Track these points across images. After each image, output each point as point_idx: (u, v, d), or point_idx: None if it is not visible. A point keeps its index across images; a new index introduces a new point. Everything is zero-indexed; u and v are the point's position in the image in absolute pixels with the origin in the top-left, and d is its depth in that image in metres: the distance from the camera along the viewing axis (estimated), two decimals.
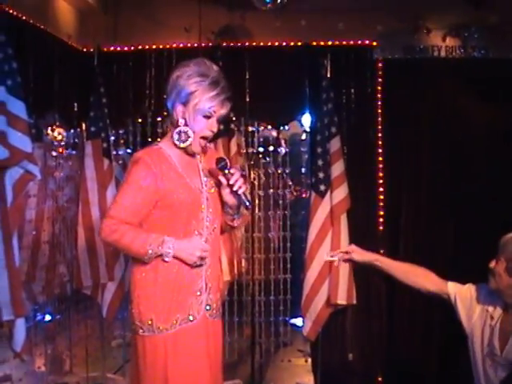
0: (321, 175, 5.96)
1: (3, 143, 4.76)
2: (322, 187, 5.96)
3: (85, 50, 6.48)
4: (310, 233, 5.99)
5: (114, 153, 6.61)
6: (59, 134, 6.66)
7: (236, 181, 3.46)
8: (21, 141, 4.88)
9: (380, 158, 6.32)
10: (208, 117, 3.44)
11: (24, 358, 5.31)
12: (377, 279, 6.21)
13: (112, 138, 6.55)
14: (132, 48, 6.50)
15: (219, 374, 3.68)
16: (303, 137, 6.99)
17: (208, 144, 3.64)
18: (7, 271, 4.90)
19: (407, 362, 6.27)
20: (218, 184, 3.56)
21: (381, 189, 6.31)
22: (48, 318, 6.83)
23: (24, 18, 5.56)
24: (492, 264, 3.85)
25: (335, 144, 6.03)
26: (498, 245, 3.88)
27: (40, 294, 6.31)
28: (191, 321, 3.46)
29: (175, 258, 3.41)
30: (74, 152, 6.79)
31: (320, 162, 5.97)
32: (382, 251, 6.27)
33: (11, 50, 4.88)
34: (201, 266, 3.48)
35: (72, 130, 6.74)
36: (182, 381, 3.46)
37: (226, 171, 3.48)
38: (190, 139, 3.45)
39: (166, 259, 3.39)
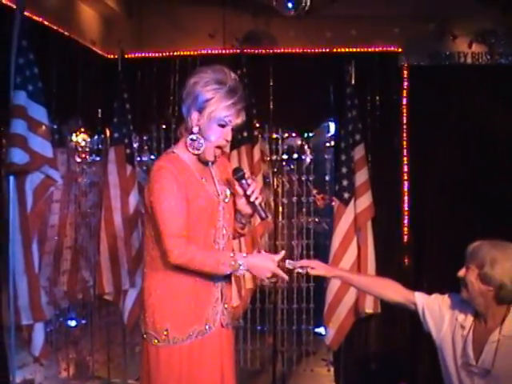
0: (345, 183, 5.92)
1: (24, 148, 4.77)
2: (346, 195, 5.92)
3: (109, 55, 6.51)
4: (334, 241, 5.95)
5: (138, 159, 6.62)
6: (83, 139, 6.68)
7: (253, 191, 3.44)
8: (42, 145, 4.90)
9: (405, 166, 6.27)
10: (223, 126, 3.38)
11: (42, 362, 5.32)
12: None
13: (136, 144, 6.56)
14: (156, 54, 6.51)
15: (232, 381, 3.62)
16: (327, 144, 6.94)
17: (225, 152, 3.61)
18: (26, 276, 4.92)
19: (430, 372, 6.20)
20: (233, 193, 3.54)
21: (406, 197, 6.26)
22: (71, 323, 6.83)
23: (47, 23, 5.58)
24: (462, 273, 3.75)
25: (359, 151, 5.99)
26: (465, 254, 3.80)
27: (62, 299, 6.30)
28: (207, 331, 3.44)
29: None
30: (97, 158, 6.80)
31: (344, 170, 5.94)
32: (406, 260, 6.25)
33: (33, 56, 4.89)
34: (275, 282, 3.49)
35: (96, 136, 6.77)
36: None
37: (243, 181, 3.44)
38: (201, 148, 3.38)
39: (239, 274, 3.39)
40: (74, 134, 6.52)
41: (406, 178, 6.26)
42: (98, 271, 6.09)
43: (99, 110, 6.44)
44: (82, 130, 6.59)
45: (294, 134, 6.95)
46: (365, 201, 5.90)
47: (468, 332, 3.78)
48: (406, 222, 6.26)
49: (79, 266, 6.48)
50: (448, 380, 3.89)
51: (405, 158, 6.27)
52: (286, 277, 3.45)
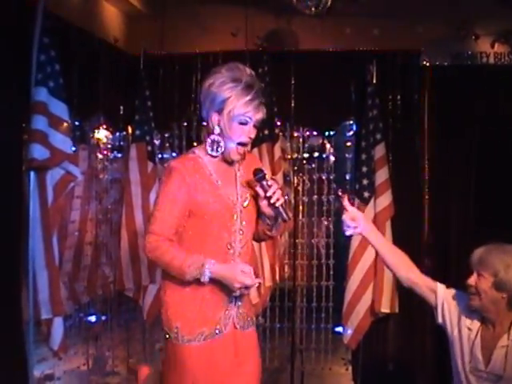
0: (365, 182, 5.92)
1: (44, 144, 4.82)
2: (366, 194, 5.92)
3: (131, 53, 6.53)
4: (353, 240, 5.94)
5: (160, 156, 6.64)
6: (105, 136, 6.72)
7: (274, 193, 3.38)
8: (62, 142, 4.96)
9: (426, 166, 6.25)
10: (244, 123, 3.35)
11: (61, 356, 5.37)
12: None
13: (157, 141, 6.59)
14: (178, 52, 6.53)
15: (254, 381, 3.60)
16: (348, 143, 6.93)
17: (248, 150, 3.53)
18: (47, 270, 4.97)
19: (449, 374, 6.18)
20: (255, 195, 3.49)
21: (426, 197, 6.25)
22: (91, 318, 6.87)
23: (69, 20, 5.62)
24: (472, 281, 3.68)
25: (380, 151, 5.99)
26: (470, 261, 3.75)
27: (82, 295, 6.34)
28: (217, 334, 3.42)
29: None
30: (119, 154, 6.84)
31: (364, 169, 5.95)
32: (426, 260, 6.23)
33: (54, 52, 4.94)
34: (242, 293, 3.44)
35: (118, 133, 6.82)
36: None
37: (264, 183, 3.39)
38: (220, 149, 3.37)
39: (202, 280, 3.31)
40: (95, 131, 6.56)
41: (426, 177, 6.24)
42: (119, 267, 6.13)
43: (121, 107, 6.47)
44: (104, 126, 6.62)
45: (315, 133, 6.94)
46: (385, 200, 5.90)
47: (475, 336, 3.73)
48: (426, 221, 6.24)
49: (100, 261, 6.53)
50: (457, 380, 3.86)
51: (425, 158, 6.24)
52: (257, 281, 3.39)
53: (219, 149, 3.38)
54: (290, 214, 3.74)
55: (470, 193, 6.27)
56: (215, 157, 3.41)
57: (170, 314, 3.42)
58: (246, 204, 3.48)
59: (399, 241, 5.93)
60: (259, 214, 3.54)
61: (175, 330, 3.39)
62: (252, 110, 3.33)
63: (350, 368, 6.52)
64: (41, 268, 4.95)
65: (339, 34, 6.37)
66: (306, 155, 6.93)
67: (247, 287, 3.36)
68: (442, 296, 3.92)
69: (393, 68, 6.25)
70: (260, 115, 3.37)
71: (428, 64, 6.29)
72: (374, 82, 6.06)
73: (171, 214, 3.35)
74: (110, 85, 6.23)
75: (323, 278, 6.85)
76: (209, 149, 3.39)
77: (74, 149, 5.43)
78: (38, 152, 4.81)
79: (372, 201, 5.91)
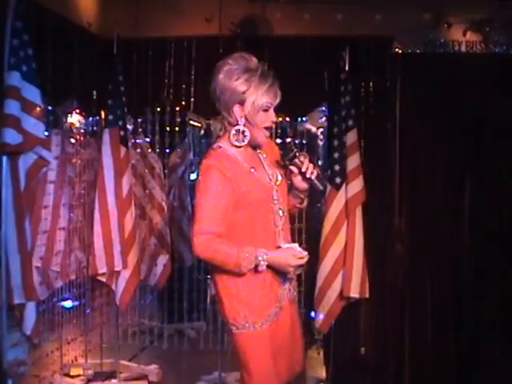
0: (337, 168, 5.93)
1: (17, 128, 4.82)
2: (338, 180, 5.94)
3: (105, 38, 6.51)
4: (325, 225, 5.97)
5: (132, 141, 6.65)
6: (78, 121, 6.69)
7: (307, 168, 3.54)
8: (35, 126, 4.95)
9: (397, 152, 6.29)
10: (267, 110, 3.48)
11: (35, 341, 5.38)
12: (391, 274, 6.22)
13: (130, 126, 6.59)
14: (152, 37, 6.52)
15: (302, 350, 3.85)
16: (320, 129, 6.96)
17: None
18: (20, 256, 4.99)
19: (419, 357, 6.26)
20: (283, 173, 3.65)
21: (397, 182, 6.29)
22: (64, 303, 6.87)
23: (43, 4, 5.59)
24: None
25: (352, 137, 6.00)
26: None
27: (56, 280, 6.33)
28: (279, 311, 3.56)
29: None
30: (92, 139, 6.82)
31: (336, 155, 5.94)
32: (397, 245, 6.29)
33: (27, 37, 4.92)
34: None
35: (91, 118, 6.78)
36: (282, 361, 3.59)
37: (296, 160, 3.54)
38: (246, 138, 3.49)
39: (260, 269, 3.43)
40: (69, 116, 6.53)
41: (398, 163, 6.27)
42: (92, 252, 6.12)
43: (94, 92, 6.46)
44: (77, 111, 6.60)
45: (287, 119, 6.95)
46: (356, 186, 5.91)
47: None
48: (397, 207, 6.28)
49: (73, 246, 6.52)
50: None
51: (397, 144, 6.28)
52: (306, 259, 3.51)
53: (245, 138, 3.49)
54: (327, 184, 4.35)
55: (442, 179, 6.33)
56: (240, 146, 3.52)
57: (236, 304, 3.51)
58: (278, 183, 3.60)
59: (371, 227, 6.03)
60: (291, 189, 3.69)
61: (244, 319, 3.49)
62: (273, 97, 3.49)
63: (322, 352, 6.58)
64: (13, 253, 4.96)
65: (313, 21, 6.40)
66: (278, 140, 6.94)
67: (300, 266, 3.52)
68: None
69: (366, 55, 6.28)
70: (279, 99, 3.54)
71: (400, 51, 6.32)
72: (347, 68, 6.05)
73: (217, 210, 3.43)
74: (84, 69, 6.22)
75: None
76: (234, 139, 3.50)
77: (46, 134, 5.41)
78: (11, 137, 4.81)
79: (344, 186, 5.92)
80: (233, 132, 3.49)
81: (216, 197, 3.41)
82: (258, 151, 3.65)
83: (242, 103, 3.45)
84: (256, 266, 3.41)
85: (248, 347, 3.51)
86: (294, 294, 3.72)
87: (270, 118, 3.52)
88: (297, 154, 3.56)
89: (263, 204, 3.52)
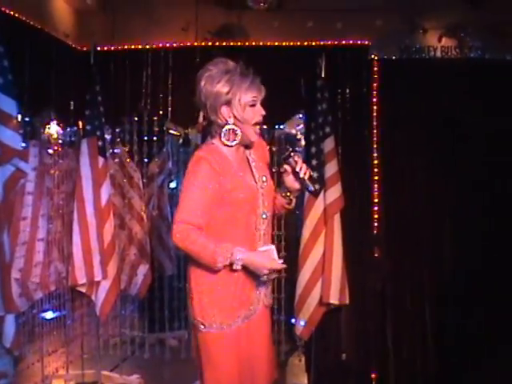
0: (315, 175, 5.93)
1: None
2: (317, 186, 5.93)
3: (81, 48, 6.52)
4: (304, 232, 6.00)
5: (111, 151, 6.65)
6: (55, 131, 6.67)
7: (301, 168, 3.59)
8: (12, 138, 4.93)
9: (375, 159, 6.32)
10: (254, 105, 3.56)
11: (15, 353, 5.34)
12: (371, 279, 6.24)
13: (108, 136, 6.59)
14: (129, 47, 6.52)
15: (273, 359, 3.84)
16: (298, 136, 6.99)
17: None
18: None
19: (401, 361, 6.28)
20: (269, 175, 3.72)
21: (376, 189, 6.31)
22: (44, 314, 6.85)
23: (19, 16, 5.58)
24: None
25: (329, 144, 6.03)
26: None
27: (35, 291, 6.30)
28: (252, 315, 3.59)
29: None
30: (70, 150, 6.80)
31: (314, 162, 5.97)
32: (376, 251, 6.31)
33: (3, 48, 4.90)
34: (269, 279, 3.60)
35: (68, 128, 6.76)
36: (247, 370, 3.60)
37: (290, 160, 3.59)
38: (238, 137, 3.55)
39: (234, 267, 3.46)
40: (46, 127, 6.51)
41: (376, 169, 6.30)
42: (71, 262, 6.11)
43: (72, 103, 6.43)
44: (55, 122, 6.58)
45: (265, 126, 6.96)
46: (334, 192, 5.94)
47: None
48: (375, 213, 6.31)
49: (52, 257, 6.49)
50: None
51: (375, 150, 6.31)
52: (283, 266, 3.55)
53: (237, 137, 3.56)
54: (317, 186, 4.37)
55: (419, 184, 6.36)
56: (233, 146, 3.57)
57: (206, 302, 3.54)
58: (264, 185, 3.66)
59: (350, 232, 6.05)
60: (281, 189, 3.75)
61: (213, 318, 3.52)
62: (257, 91, 3.58)
63: (304, 359, 6.58)
64: None
65: (289, 29, 6.42)
66: None
67: (275, 271, 3.53)
68: None
69: (342, 62, 6.30)
70: (263, 92, 3.64)
71: (376, 58, 6.35)
72: (323, 75, 6.08)
73: (201, 202, 3.48)
74: (61, 80, 6.18)
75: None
76: (225, 139, 3.56)
77: (24, 145, 5.39)
78: None
79: (322, 193, 5.94)
80: (224, 131, 3.54)
81: (202, 188, 3.46)
82: (249, 153, 3.70)
83: (228, 104, 3.52)
84: (231, 264, 3.44)
85: (213, 347, 3.53)
86: (269, 301, 3.75)
87: (259, 112, 3.60)
88: (292, 153, 3.61)
89: (246, 205, 3.55)
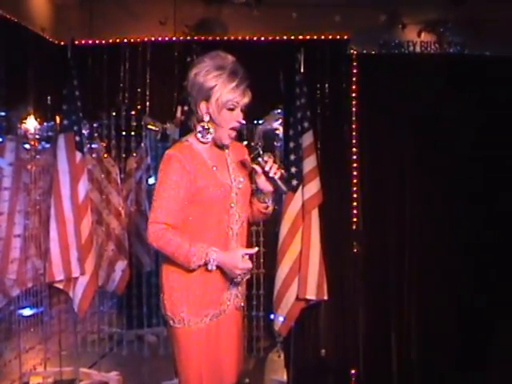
0: (293, 170, 5.93)
1: None
2: (295, 182, 5.93)
3: (59, 42, 6.45)
4: (282, 228, 5.97)
5: (88, 146, 6.60)
6: (32, 126, 6.61)
7: (271, 167, 3.53)
8: None
9: (354, 154, 6.29)
10: (232, 109, 3.51)
11: None
12: (350, 275, 6.23)
13: (86, 131, 6.54)
14: (106, 41, 6.47)
15: (241, 361, 3.82)
16: (277, 131, 6.97)
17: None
18: None
19: (380, 357, 6.28)
20: (247, 177, 3.68)
21: (355, 184, 6.29)
22: (22, 311, 6.80)
23: None
24: None
25: (308, 139, 6.00)
26: None
27: (12, 288, 6.26)
28: (221, 315, 3.58)
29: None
30: (47, 145, 6.75)
31: (292, 157, 5.94)
32: (355, 246, 6.30)
33: None
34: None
35: (46, 123, 6.70)
36: (214, 369, 3.59)
37: (260, 159, 3.53)
38: (210, 135, 3.51)
39: (209, 268, 3.45)
40: (23, 121, 6.45)
41: (355, 164, 6.27)
42: (48, 259, 6.05)
43: (49, 97, 6.38)
44: (32, 116, 6.52)
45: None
46: (313, 188, 5.91)
47: None
48: (354, 208, 6.29)
49: (29, 253, 6.44)
50: None
51: (354, 145, 6.28)
52: (250, 266, 3.52)
53: (209, 135, 3.51)
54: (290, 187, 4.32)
55: (399, 179, 6.35)
56: (206, 143, 3.54)
57: (175, 298, 3.53)
58: (240, 186, 3.61)
59: (328, 228, 6.03)
60: (255, 193, 3.70)
61: (181, 315, 3.51)
62: (238, 96, 3.52)
63: (282, 355, 6.56)
64: None
65: (268, 23, 6.42)
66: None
67: (247, 271, 3.53)
68: None
69: (321, 56, 6.26)
70: (246, 99, 3.58)
71: (356, 52, 6.32)
72: (302, 70, 6.06)
73: (174, 201, 3.46)
74: (38, 75, 6.13)
75: (254, 266, 6.85)
76: (199, 136, 3.53)
77: (0, 140, 5.35)
78: None
79: (300, 189, 5.92)
80: (198, 128, 3.52)
81: (174, 188, 3.44)
82: (228, 153, 3.66)
83: (207, 99, 3.48)
84: (205, 264, 3.42)
85: (181, 342, 3.53)
86: (241, 304, 3.74)
87: (236, 118, 3.55)
88: (261, 152, 3.55)
89: (219, 203, 3.52)
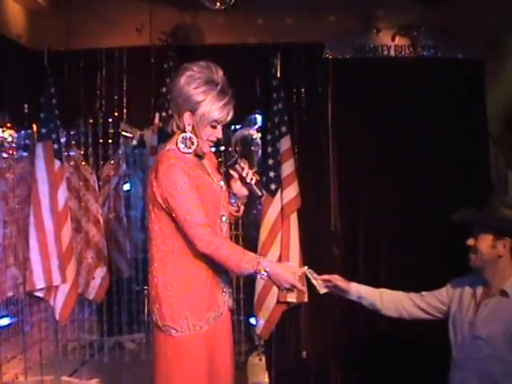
0: (271, 174, 5.97)
1: None
2: (273, 186, 5.98)
3: (35, 50, 6.42)
4: (262, 232, 6.02)
5: (66, 154, 6.58)
6: (9, 135, 6.59)
7: (247, 173, 3.61)
8: None
9: (331, 157, 6.35)
10: (215, 126, 3.51)
11: None
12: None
13: (63, 139, 6.52)
14: (83, 48, 6.46)
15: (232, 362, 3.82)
16: (254, 136, 7.00)
17: None
18: None
19: (361, 358, 6.31)
20: (225, 181, 3.70)
21: (332, 186, 6.35)
22: (1, 321, 6.76)
23: None
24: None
25: (285, 143, 6.05)
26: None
27: None
28: (219, 315, 3.60)
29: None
30: (24, 153, 6.72)
31: (270, 161, 5.99)
32: (334, 248, 6.34)
33: None
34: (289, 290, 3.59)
35: (23, 131, 6.68)
36: (217, 371, 3.62)
37: (237, 166, 3.60)
38: (193, 146, 3.51)
39: (260, 278, 3.51)
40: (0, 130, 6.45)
41: (332, 167, 6.33)
42: (29, 267, 6.04)
43: (26, 105, 6.36)
44: (9, 125, 6.49)
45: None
46: (291, 191, 5.97)
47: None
48: (332, 210, 6.34)
49: (8, 263, 6.42)
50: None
51: (330, 149, 6.34)
52: (304, 289, 3.75)
53: (192, 146, 3.51)
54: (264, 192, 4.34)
55: (376, 181, 6.42)
56: (186, 153, 3.52)
57: (176, 306, 3.50)
58: (224, 189, 3.66)
59: (307, 231, 6.08)
60: (229, 196, 3.72)
61: (184, 321, 3.49)
62: (225, 115, 3.51)
63: (264, 358, 6.58)
64: None
65: (244, 29, 6.42)
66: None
67: (294, 288, 3.55)
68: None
69: (297, 61, 6.32)
70: (229, 117, 3.56)
71: (331, 57, 6.38)
72: (279, 75, 6.11)
73: (198, 203, 3.44)
74: (14, 83, 6.11)
75: None
76: (181, 146, 3.51)
77: None
78: None
79: (279, 193, 5.97)
80: (180, 139, 3.51)
81: (189, 190, 3.42)
82: (202, 160, 3.68)
83: (193, 112, 3.46)
84: (255, 273, 3.44)
85: (186, 350, 3.51)
86: (232, 304, 3.77)
87: (216, 133, 3.55)
88: (238, 159, 3.62)
89: (213, 208, 3.55)
